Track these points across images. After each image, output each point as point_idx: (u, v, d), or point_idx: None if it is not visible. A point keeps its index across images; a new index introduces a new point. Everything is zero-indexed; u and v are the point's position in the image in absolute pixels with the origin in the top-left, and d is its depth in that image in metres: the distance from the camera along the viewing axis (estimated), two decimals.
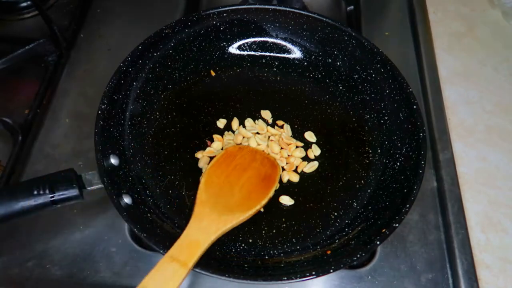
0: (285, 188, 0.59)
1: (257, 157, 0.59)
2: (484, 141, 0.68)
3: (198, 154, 0.61)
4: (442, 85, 0.72)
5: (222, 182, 0.55)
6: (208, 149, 0.61)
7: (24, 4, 0.76)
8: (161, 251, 0.46)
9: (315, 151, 0.62)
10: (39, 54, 0.70)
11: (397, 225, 0.49)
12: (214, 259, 0.50)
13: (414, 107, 0.58)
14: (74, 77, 0.69)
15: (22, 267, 0.54)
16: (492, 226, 0.60)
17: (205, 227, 0.49)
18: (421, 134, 0.56)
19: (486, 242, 0.59)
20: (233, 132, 0.64)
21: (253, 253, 0.53)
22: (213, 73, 0.69)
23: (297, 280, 0.44)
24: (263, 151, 0.61)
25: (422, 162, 0.54)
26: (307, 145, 0.63)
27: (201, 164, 0.60)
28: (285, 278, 0.44)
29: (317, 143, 0.63)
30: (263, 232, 0.55)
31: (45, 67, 0.70)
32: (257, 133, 0.63)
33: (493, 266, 0.57)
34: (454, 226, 0.58)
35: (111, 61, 0.62)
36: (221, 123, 0.64)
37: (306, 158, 0.62)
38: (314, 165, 0.61)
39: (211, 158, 0.60)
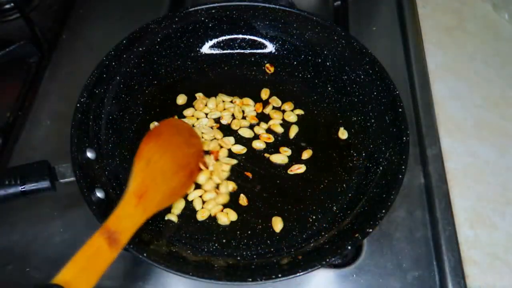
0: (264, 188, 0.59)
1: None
2: (473, 136, 0.66)
3: None
4: (431, 80, 0.71)
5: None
6: None
7: (7, 6, 0.75)
8: (126, 247, 0.45)
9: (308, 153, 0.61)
10: (20, 56, 0.69)
11: (370, 230, 0.48)
12: (183, 258, 0.50)
13: (400, 110, 0.57)
14: (55, 79, 0.69)
15: (2, 271, 0.53)
16: (481, 222, 0.59)
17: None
18: (404, 138, 0.55)
19: (475, 238, 0.58)
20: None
21: (225, 253, 0.52)
22: None
23: (262, 282, 0.43)
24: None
25: (403, 167, 0.53)
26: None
27: None
28: (250, 280, 0.43)
29: (301, 144, 0.62)
30: (238, 232, 0.55)
31: (26, 69, 0.69)
32: None
33: (482, 262, 0.56)
34: (441, 223, 0.57)
35: (94, 61, 0.61)
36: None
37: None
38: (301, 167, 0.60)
39: None
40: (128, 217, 0.45)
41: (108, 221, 0.43)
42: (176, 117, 0.63)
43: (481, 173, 0.63)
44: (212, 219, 0.56)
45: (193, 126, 0.63)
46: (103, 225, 0.43)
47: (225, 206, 0.56)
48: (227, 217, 0.55)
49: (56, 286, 0.36)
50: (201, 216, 0.55)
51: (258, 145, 0.62)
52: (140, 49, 0.63)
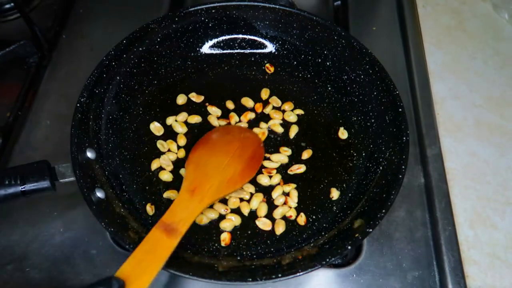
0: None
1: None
2: (473, 136, 0.66)
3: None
4: (431, 80, 0.71)
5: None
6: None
7: (7, 6, 0.75)
8: (127, 247, 0.46)
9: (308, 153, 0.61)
10: (20, 56, 0.69)
11: (370, 230, 0.48)
12: (183, 258, 0.50)
13: (400, 110, 0.57)
14: (55, 79, 0.69)
15: (2, 271, 0.53)
16: (480, 222, 0.59)
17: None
18: (404, 138, 0.55)
19: (475, 238, 0.58)
20: None
21: (225, 253, 0.52)
22: None
23: (262, 282, 0.43)
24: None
25: (403, 167, 0.52)
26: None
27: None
28: (250, 280, 0.43)
29: (301, 144, 0.62)
30: (238, 232, 0.55)
31: (26, 69, 0.69)
32: None
33: (482, 262, 0.56)
34: (441, 223, 0.57)
35: (94, 61, 0.61)
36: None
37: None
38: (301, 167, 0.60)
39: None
40: (183, 210, 0.47)
41: (164, 216, 0.46)
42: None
43: (481, 173, 0.63)
44: (213, 220, 0.56)
45: None
46: (159, 221, 0.45)
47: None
48: (231, 223, 0.55)
49: (115, 278, 0.37)
50: (199, 221, 0.55)
51: None
52: (140, 49, 0.63)
